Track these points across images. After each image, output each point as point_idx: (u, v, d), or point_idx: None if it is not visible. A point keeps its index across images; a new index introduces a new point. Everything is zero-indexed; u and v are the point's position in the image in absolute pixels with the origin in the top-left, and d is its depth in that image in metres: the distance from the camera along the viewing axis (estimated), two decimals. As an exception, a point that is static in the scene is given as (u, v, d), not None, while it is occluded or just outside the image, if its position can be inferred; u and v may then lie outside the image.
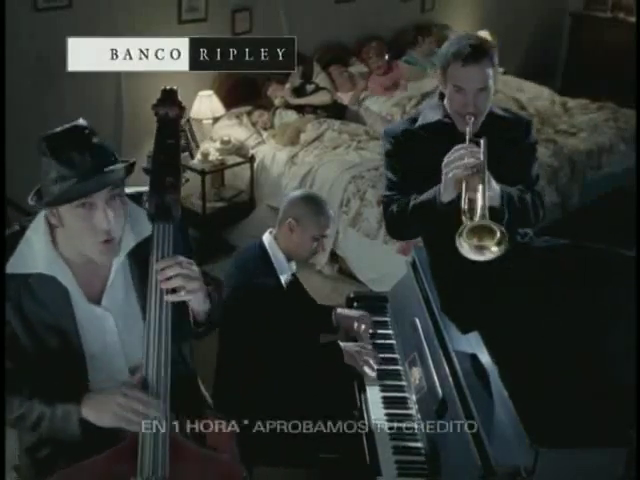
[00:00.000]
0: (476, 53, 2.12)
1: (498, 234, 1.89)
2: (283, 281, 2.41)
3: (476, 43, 2.15)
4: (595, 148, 4.69)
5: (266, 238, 2.45)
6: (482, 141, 2.09)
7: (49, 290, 1.65)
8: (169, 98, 1.66)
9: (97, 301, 1.70)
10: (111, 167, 1.59)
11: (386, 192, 2.33)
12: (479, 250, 1.91)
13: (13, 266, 1.64)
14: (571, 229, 2.69)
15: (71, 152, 1.56)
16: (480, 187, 1.97)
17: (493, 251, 1.90)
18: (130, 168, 1.62)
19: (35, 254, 1.65)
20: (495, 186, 2.08)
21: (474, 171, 2.01)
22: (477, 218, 1.92)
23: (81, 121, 1.64)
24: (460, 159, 2.03)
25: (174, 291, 1.57)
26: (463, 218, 1.95)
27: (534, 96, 5.49)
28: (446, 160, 2.06)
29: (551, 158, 4.40)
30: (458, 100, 2.18)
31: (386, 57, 5.52)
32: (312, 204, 2.44)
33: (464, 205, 1.98)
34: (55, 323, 1.65)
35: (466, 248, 1.90)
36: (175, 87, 1.68)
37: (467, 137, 2.10)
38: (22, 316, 1.63)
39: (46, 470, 1.65)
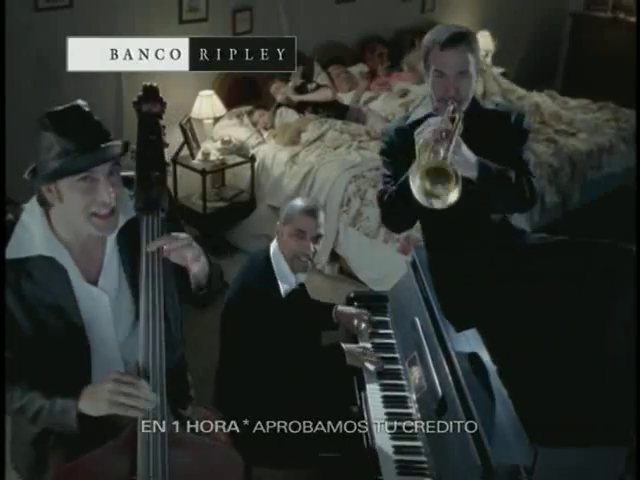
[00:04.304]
0: (454, 38, 2.18)
1: (452, 175, 1.94)
2: (283, 290, 2.35)
3: (454, 30, 2.21)
4: (595, 148, 4.69)
5: (272, 245, 2.42)
6: (457, 115, 2.12)
7: (48, 271, 1.67)
8: (151, 95, 1.68)
9: (93, 282, 1.73)
10: (111, 143, 1.64)
11: (381, 187, 2.36)
12: (430, 195, 1.98)
13: (12, 251, 1.66)
14: (571, 229, 2.68)
15: (74, 127, 1.61)
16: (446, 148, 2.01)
17: (443, 193, 1.96)
18: (127, 145, 1.67)
19: (33, 237, 1.68)
20: (469, 154, 2.09)
21: (443, 136, 2.03)
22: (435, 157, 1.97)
23: (80, 101, 1.68)
24: (429, 125, 2.09)
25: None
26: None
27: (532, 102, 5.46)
28: (417, 130, 2.12)
29: (551, 158, 4.41)
30: (439, 85, 2.21)
31: (388, 63, 5.54)
32: (294, 202, 2.43)
33: None
34: (56, 303, 1.66)
35: (419, 189, 1.96)
36: (155, 84, 1.70)
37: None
38: (22, 300, 1.64)
39: (47, 464, 1.67)
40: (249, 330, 2.26)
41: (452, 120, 2.10)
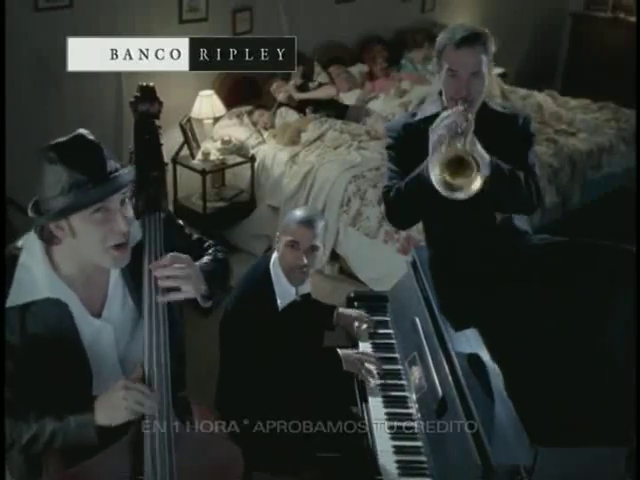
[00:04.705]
0: (470, 37, 2.16)
1: (472, 164, 1.93)
2: (280, 304, 2.30)
3: (471, 30, 2.19)
4: (595, 148, 4.69)
5: (273, 256, 2.36)
6: (470, 114, 2.11)
7: (52, 311, 1.62)
8: (148, 95, 1.67)
9: (98, 313, 1.69)
10: (121, 170, 1.59)
11: (387, 182, 2.34)
12: (451, 186, 1.96)
13: (16, 298, 1.60)
14: (571, 229, 2.68)
15: (83, 158, 1.54)
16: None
17: (468, 186, 1.94)
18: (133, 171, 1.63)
19: (36, 280, 1.62)
20: (484, 153, 2.08)
21: (459, 132, 2.02)
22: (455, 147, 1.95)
23: (82, 130, 1.62)
24: (443, 122, 2.07)
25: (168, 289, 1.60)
26: None
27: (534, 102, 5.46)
28: (432, 126, 2.10)
29: (552, 158, 4.41)
30: (452, 85, 2.19)
31: (385, 63, 5.54)
32: (291, 212, 2.38)
33: None
34: (60, 340, 1.63)
35: (440, 181, 1.95)
36: (152, 83, 1.68)
37: None
38: (27, 340, 1.60)
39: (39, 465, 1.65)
40: (246, 340, 2.24)
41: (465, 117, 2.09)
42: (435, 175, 1.97)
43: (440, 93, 2.31)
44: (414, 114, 2.40)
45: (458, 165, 1.96)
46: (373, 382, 2.18)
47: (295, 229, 2.29)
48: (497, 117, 2.31)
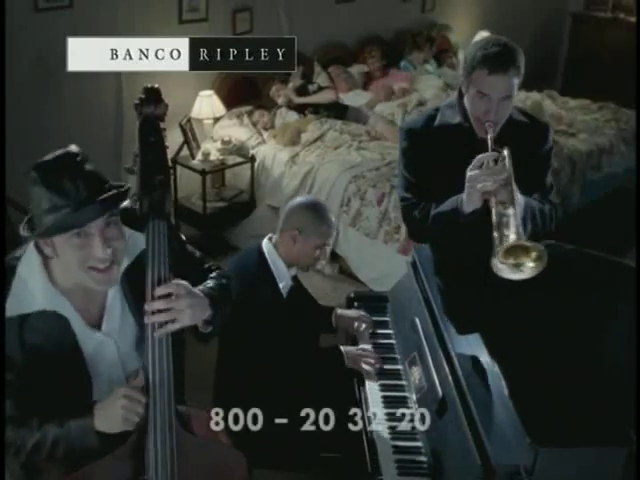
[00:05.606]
0: (504, 62, 2.04)
1: (535, 252, 1.84)
2: (282, 289, 2.34)
3: (504, 51, 2.06)
4: (595, 149, 4.69)
5: (265, 245, 2.39)
6: (506, 152, 2.03)
7: (51, 323, 1.60)
8: (153, 96, 1.64)
9: (97, 325, 1.67)
10: (105, 195, 1.53)
11: (404, 193, 2.26)
12: (517, 268, 1.87)
13: (12, 309, 1.58)
14: (571, 229, 2.68)
15: (63, 181, 1.50)
16: (511, 207, 1.93)
17: (531, 267, 1.85)
18: (124, 195, 1.58)
19: (33, 292, 1.60)
20: (520, 199, 2.03)
21: (502, 184, 1.96)
22: (512, 238, 1.87)
23: (73, 147, 1.57)
24: (487, 172, 1.98)
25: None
26: (495, 234, 1.90)
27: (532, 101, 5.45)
28: (471, 172, 2.00)
29: (552, 159, 4.40)
30: (480, 106, 2.10)
31: (384, 62, 5.53)
32: (314, 213, 2.38)
33: (494, 219, 1.93)
34: (59, 353, 1.61)
35: (503, 269, 1.86)
36: (157, 85, 1.65)
37: (489, 145, 2.04)
38: (25, 352, 1.58)
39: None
40: (250, 336, 2.25)
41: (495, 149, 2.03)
42: (499, 266, 1.87)
43: (460, 96, 2.21)
44: (432, 117, 2.27)
45: (518, 250, 1.88)
46: (373, 375, 2.20)
47: (330, 234, 2.41)
48: (518, 128, 2.22)
